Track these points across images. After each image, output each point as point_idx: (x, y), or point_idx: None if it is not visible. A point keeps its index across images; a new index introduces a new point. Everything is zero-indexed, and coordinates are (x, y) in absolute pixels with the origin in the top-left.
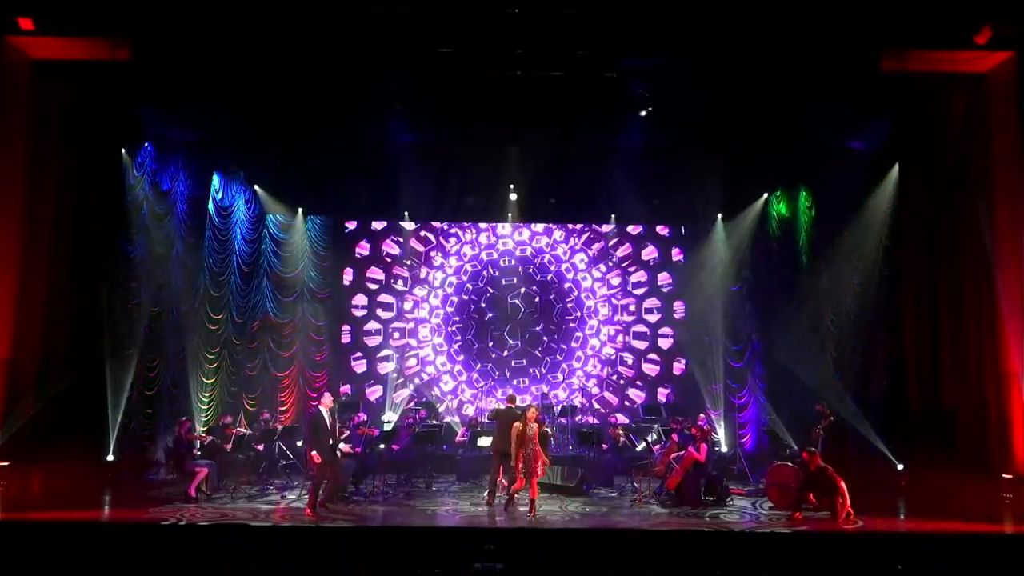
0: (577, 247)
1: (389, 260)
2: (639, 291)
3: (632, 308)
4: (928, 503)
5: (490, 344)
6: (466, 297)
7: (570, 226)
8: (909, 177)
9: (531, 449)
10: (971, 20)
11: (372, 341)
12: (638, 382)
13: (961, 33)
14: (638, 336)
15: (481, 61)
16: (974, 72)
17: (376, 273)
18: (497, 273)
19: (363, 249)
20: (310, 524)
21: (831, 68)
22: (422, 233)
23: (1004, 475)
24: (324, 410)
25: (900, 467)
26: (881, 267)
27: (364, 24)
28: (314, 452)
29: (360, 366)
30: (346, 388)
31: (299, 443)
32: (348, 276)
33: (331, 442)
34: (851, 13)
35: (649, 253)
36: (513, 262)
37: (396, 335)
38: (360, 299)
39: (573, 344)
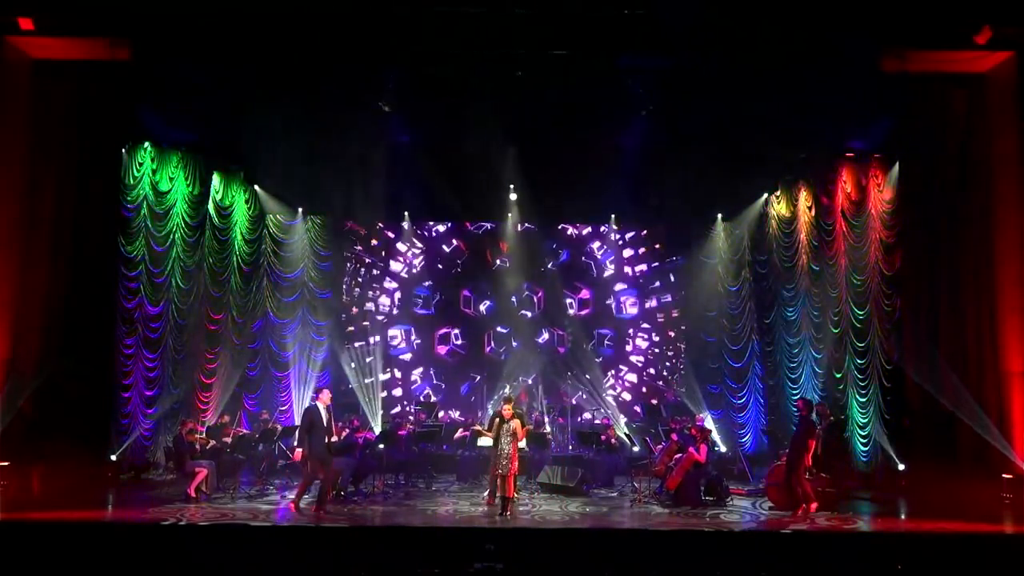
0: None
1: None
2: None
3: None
4: (928, 503)
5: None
6: None
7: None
8: (909, 177)
9: (506, 446)
10: (971, 20)
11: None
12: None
13: (961, 33)
14: (641, 337)
15: (481, 61)
16: (974, 72)
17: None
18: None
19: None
20: (310, 524)
21: (831, 68)
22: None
23: (1004, 475)
24: (321, 406)
25: (901, 467)
26: (881, 267)
27: (364, 23)
28: (299, 449)
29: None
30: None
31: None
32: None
33: (327, 440)
34: (851, 13)
35: (649, 253)
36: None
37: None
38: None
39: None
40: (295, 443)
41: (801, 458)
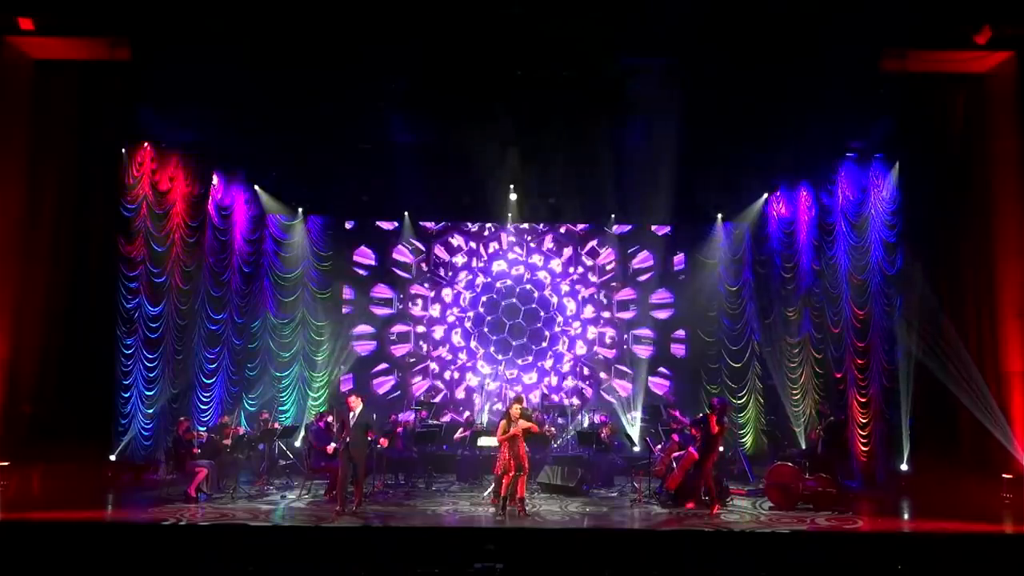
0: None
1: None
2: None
3: (632, 307)
4: (928, 503)
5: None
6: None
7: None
8: (909, 177)
9: (516, 447)
10: (971, 20)
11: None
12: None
13: (961, 33)
14: (641, 335)
15: (481, 61)
16: (974, 72)
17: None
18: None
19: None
20: (310, 524)
21: (831, 68)
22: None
23: (1004, 475)
24: (350, 412)
25: (904, 467)
26: (881, 267)
27: (364, 23)
28: (331, 445)
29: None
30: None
31: (297, 443)
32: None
33: (347, 440)
34: (852, 13)
35: (648, 252)
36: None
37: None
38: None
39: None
40: (338, 444)
41: (709, 456)
